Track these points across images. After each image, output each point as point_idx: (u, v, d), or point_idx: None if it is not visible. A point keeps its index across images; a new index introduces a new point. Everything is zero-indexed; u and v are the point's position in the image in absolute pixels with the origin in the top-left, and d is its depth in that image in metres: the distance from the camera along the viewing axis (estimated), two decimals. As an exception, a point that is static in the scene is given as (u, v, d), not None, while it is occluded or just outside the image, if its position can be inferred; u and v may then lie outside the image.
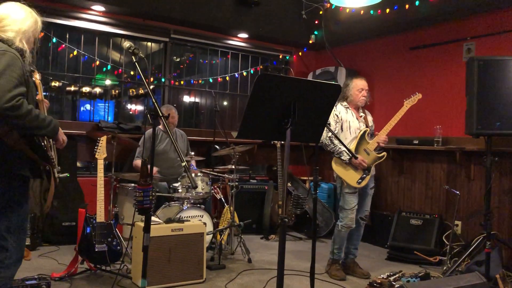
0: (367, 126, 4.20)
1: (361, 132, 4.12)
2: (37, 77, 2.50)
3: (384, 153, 4.16)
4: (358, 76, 4.33)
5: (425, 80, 5.45)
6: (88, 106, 5.73)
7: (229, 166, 4.92)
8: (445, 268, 4.27)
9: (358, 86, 4.17)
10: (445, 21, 5.20)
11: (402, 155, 5.58)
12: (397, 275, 3.84)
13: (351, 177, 4.05)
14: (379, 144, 4.12)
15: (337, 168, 4.09)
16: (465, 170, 4.93)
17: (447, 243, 4.59)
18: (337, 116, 4.14)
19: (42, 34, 5.14)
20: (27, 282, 3.31)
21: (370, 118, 4.33)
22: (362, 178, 4.06)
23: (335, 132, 4.10)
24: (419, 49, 5.53)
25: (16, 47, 2.30)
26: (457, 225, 4.90)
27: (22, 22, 2.41)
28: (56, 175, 2.50)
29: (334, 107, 4.18)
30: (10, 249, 2.32)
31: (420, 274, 3.86)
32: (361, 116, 4.25)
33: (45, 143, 2.36)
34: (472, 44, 4.97)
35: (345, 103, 4.22)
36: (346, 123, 4.15)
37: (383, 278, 3.79)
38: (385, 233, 5.19)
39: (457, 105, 4.95)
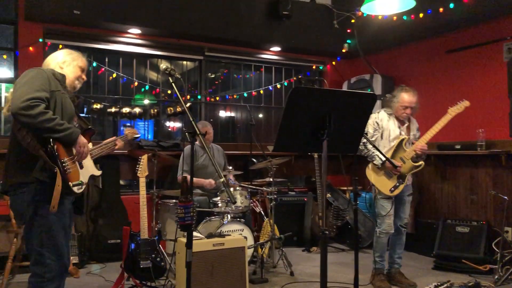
0: (407, 135, 4.10)
1: (399, 140, 4.04)
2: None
3: (422, 162, 4.02)
4: (407, 90, 4.07)
5: (463, 83, 5.32)
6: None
7: (267, 179, 4.94)
8: (496, 277, 4.11)
9: (404, 103, 4.01)
10: (482, 22, 5.07)
11: (444, 160, 5.44)
12: (445, 285, 3.73)
13: (384, 184, 3.98)
14: (417, 152, 4.00)
15: (370, 175, 4.03)
16: (512, 174, 4.75)
17: (498, 251, 4.40)
18: (377, 123, 4.08)
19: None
20: (77, 299, 3.42)
21: (414, 127, 4.21)
22: (395, 187, 3.96)
23: (374, 139, 4.04)
24: (456, 52, 5.41)
25: (51, 71, 2.55)
26: (507, 232, 4.70)
27: (58, 55, 2.72)
28: (76, 188, 2.46)
29: (377, 113, 4.15)
30: (49, 263, 2.39)
31: (470, 284, 3.72)
32: (405, 124, 4.14)
33: (54, 149, 2.35)
34: (512, 44, 4.82)
35: (389, 110, 4.14)
36: (387, 131, 4.08)
37: (430, 288, 3.69)
38: (430, 241, 5.04)
39: (500, 107, 4.80)
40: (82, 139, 2.47)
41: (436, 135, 5.31)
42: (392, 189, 3.97)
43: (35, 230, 2.40)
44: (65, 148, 2.42)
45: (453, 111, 3.93)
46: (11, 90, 2.41)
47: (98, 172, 2.77)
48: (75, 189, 2.43)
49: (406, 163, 3.99)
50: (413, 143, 4.10)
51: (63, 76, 2.64)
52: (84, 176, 2.56)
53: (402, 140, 4.04)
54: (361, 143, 3.98)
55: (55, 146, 2.35)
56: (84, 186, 2.55)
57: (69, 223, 2.63)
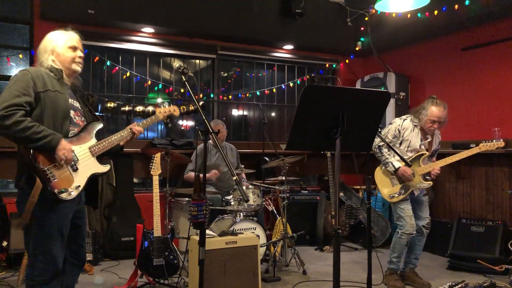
0: (427, 150, 4.00)
1: (418, 154, 3.96)
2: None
3: (430, 182, 3.96)
4: (438, 104, 3.88)
5: (479, 80, 5.24)
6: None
7: (280, 178, 4.93)
8: (512, 277, 4.05)
9: (432, 117, 3.86)
10: (498, 19, 4.99)
11: (459, 159, 5.36)
12: (460, 285, 3.68)
13: (385, 187, 3.96)
14: (432, 175, 3.94)
15: (377, 174, 4.00)
16: (529, 173, 4.68)
17: (513, 251, 4.34)
18: (399, 131, 3.98)
19: (97, 58, 5.41)
20: (91, 296, 3.46)
21: (437, 140, 4.11)
22: (395, 195, 3.94)
23: (392, 145, 3.95)
24: (471, 50, 5.33)
25: (48, 67, 2.49)
26: (523, 232, 4.63)
27: (46, 46, 2.56)
28: (64, 195, 2.37)
29: (402, 120, 4.04)
30: (40, 266, 2.35)
31: (485, 284, 3.68)
32: (428, 140, 4.02)
33: (33, 158, 2.29)
34: (529, 41, 4.74)
35: (416, 121, 3.98)
36: (407, 142, 3.98)
37: (444, 288, 3.65)
38: (444, 241, 4.99)
39: (516, 105, 4.73)
40: (62, 145, 2.34)
41: (450, 134, 5.26)
42: (392, 195, 3.95)
43: (31, 232, 2.38)
44: (48, 155, 2.33)
45: (483, 146, 3.84)
46: None
47: (104, 169, 2.60)
48: (63, 196, 2.34)
49: (416, 178, 3.93)
50: (431, 155, 4.02)
51: (60, 70, 2.53)
52: (80, 179, 2.45)
53: (422, 155, 3.96)
54: (376, 146, 3.95)
55: (35, 154, 2.30)
56: (80, 189, 2.44)
57: (80, 223, 2.61)
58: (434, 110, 3.86)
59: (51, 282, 2.40)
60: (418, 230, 4.02)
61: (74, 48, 2.59)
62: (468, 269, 4.55)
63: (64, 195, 2.35)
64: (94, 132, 2.61)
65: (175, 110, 3.17)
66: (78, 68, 2.60)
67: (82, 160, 2.49)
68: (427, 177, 3.98)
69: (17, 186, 2.41)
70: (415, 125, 3.99)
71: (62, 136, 2.37)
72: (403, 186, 3.96)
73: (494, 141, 3.80)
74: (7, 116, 2.21)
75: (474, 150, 3.82)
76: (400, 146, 4.01)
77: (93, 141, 2.58)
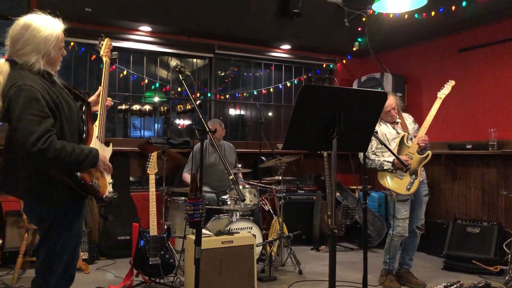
0: (405, 131, 4.07)
1: (399, 138, 4.01)
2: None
3: (428, 152, 3.97)
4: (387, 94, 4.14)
5: (476, 82, 5.26)
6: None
7: (276, 177, 4.93)
8: (507, 278, 4.07)
9: (385, 109, 4.01)
10: (495, 20, 5.01)
11: (455, 160, 5.39)
12: (455, 286, 3.68)
13: (399, 186, 3.94)
14: (420, 145, 3.95)
15: (384, 182, 4.01)
16: (525, 174, 4.70)
17: (508, 252, 4.35)
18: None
19: (94, 56, 5.40)
20: (87, 295, 3.45)
21: (410, 120, 4.20)
22: (410, 184, 3.92)
23: (380, 147, 4.01)
24: (468, 51, 5.35)
25: (37, 71, 2.13)
26: (518, 233, 4.66)
27: (40, 38, 2.16)
28: (105, 197, 2.34)
29: None
30: (55, 271, 2.25)
31: (480, 285, 3.68)
32: (397, 122, 4.14)
33: (80, 179, 2.14)
34: (525, 42, 4.76)
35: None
36: (383, 136, 4.06)
37: (440, 289, 3.65)
38: (440, 241, 5.01)
39: (512, 107, 4.74)
40: (101, 156, 2.23)
41: (447, 135, 5.28)
42: (408, 186, 3.92)
43: (50, 241, 2.24)
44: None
45: (442, 94, 3.99)
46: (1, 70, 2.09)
47: (110, 149, 2.52)
48: (108, 198, 2.35)
49: (414, 158, 3.96)
50: (414, 136, 4.07)
51: (51, 74, 2.21)
52: (108, 175, 2.41)
53: (403, 137, 4.03)
54: (367, 158, 3.97)
55: (79, 174, 2.13)
56: (112, 183, 2.41)
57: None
58: None
59: (64, 284, 2.33)
60: (411, 231, 4.03)
61: (62, 48, 2.30)
62: (463, 269, 4.57)
63: (109, 197, 2.35)
64: (91, 116, 2.44)
65: (109, 42, 2.89)
66: (59, 67, 2.33)
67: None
68: (423, 151, 4.00)
69: (53, 205, 2.18)
70: (380, 124, 4.12)
71: (96, 149, 2.23)
72: (410, 172, 3.94)
73: (445, 85, 4.01)
74: (46, 149, 1.96)
75: (439, 102, 3.96)
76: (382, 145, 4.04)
77: (95, 127, 2.41)
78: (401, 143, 4.02)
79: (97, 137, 2.40)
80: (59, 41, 2.25)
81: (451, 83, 4.02)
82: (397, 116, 4.15)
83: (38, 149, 1.94)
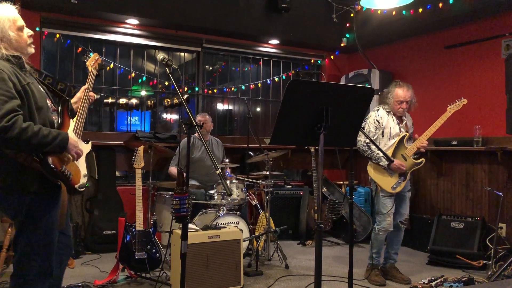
0: (406, 131, 4.11)
1: (400, 137, 4.04)
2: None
3: (422, 159, 4.04)
4: (401, 85, 4.09)
5: (462, 79, 5.31)
6: (133, 119, 5.89)
7: (264, 172, 4.94)
8: (490, 272, 4.13)
9: (398, 98, 4.03)
10: (481, 18, 5.06)
11: (441, 156, 5.45)
12: (439, 280, 3.75)
13: (386, 182, 3.98)
14: (419, 149, 4.02)
15: (373, 173, 4.04)
16: (508, 171, 4.76)
17: (491, 247, 4.43)
18: (378, 122, 4.06)
19: (80, 49, 5.33)
20: (72, 290, 3.42)
21: (410, 123, 4.22)
22: (397, 184, 3.98)
23: (375, 138, 4.04)
24: (455, 48, 5.39)
25: (2, 57, 2.13)
26: (501, 228, 4.72)
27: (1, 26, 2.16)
28: (82, 189, 2.31)
29: (376, 111, 4.14)
30: (32, 265, 2.21)
31: (463, 279, 3.74)
32: (403, 121, 4.15)
33: (50, 163, 2.11)
34: (511, 41, 4.81)
35: (387, 108, 4.12)
36: (387, 129, 4.06)
37: (424, 283, 3.70)
38: (425, 237, 5.07)
39: (497, 104, 4.80)
40: (72, 140, 2.20)
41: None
42: (395, 186, 3.98)
43: (24, 234, 2.21)
44: (58, 155, 2.16)
45: (452, 109, 3.99)
46: None
47: (89, 147, 2.52)
48: (82, 189, 2.29)
49: (408, 160, 3.99)
50: (412, 138, 4.11)
51: (19, 57, 2.20)
52: (82, 166, 2.37)
53: (403, 137, 4.04)
54: (364, 144, 3.98)
55: (50, 159, 2.09)
56: (87, 176, 2.38)
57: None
58: (398, 91, 4.05)
59: (42, 279, 2.26)
60: (395, 225, 4.08)
61: (23, 28, 2.25)
62: (448, 264, 4.63)
63: (82, 188, 2.30)
64: (69, 112, 2.42)
65: (97, 56, 2.87)
66: (33, 50, 2.32)
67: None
68: (415, 155, 4.05)
69: (24, 194, 2.14)
70: (388, 112, 4.12)
71: (66, 133, 2.21)
72: (400, 173, 4.00)
73: (458, 101, 4.00)
74: (10, 126, 1.93)
75: (447, 115, 3.97)
76: (383, 137, 4.06)
77: (72, 122, 2.41)
78: (400, 143, 4.03)
79: (74, 131, 2.38)
80: (15, 21, 2.21)
81: (463, 101, 3.99)
82: (406, 113, 4.16)
83: (2, 126, 1.91)
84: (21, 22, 2.24)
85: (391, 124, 4.08)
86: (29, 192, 2.15)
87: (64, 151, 2.18)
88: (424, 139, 3.98)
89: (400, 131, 4.08)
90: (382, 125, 4.07)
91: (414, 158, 4.03)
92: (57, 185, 2.22)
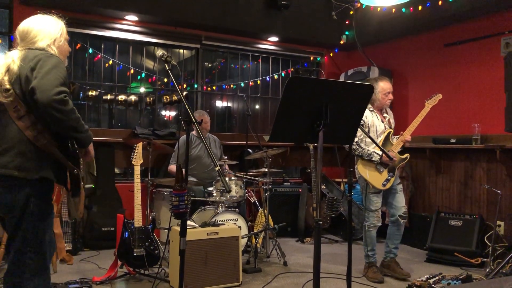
0: (390, 128, 4.18)
1: (385, 134, 4.10)
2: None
3: (407, 154, 4.11)
4: (382, 78, 4.24)
5: (461, 76, 5.31)
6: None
7: (262, 170, 4.94)
8: (488, 270, 4.14)
9: (385, 90, 4.12)
10: (481, 16, 5.05)
11: (439, 154, 5.45)
12: (437, 278, 3.75)
13: (376, 179, 4.03)
14: (405, 145, 4.09)
15: (363, 171, 4.08)
16: (506, 169, 4.77)
17: (489, 245, 4.44)
18: (363, 121, 4.10)
19: (79, 45, 5.33)
20: (70, 286, 3.43)
21: (392, 119, 4.30)
22: (387, 180, 4.03)
23: (362, 137, 4.08)
24: (454, 46, 5.39)
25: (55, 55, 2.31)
26: (499, 226, 4.73)
27: (50, 29, 2.37)
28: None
29: None
30: (29, 262, 2.19)
31: (461, 277, 3.75)
32: (386, 118, 4.23)
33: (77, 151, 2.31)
34: (510, 38, 4.80)
35: (369, 106, 4.17)
36: (373, 127, 4.12)
37: (422, 280, 3.71)
38: (423, 234, 5.08)
39: (496, 102, 4.80)
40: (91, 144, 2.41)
41: (431, 129, 5.35)
42: (385, 183, 4.03)
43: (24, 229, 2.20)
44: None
45: (429, 103, 4.08)
46: (13, 59, 2.21)
47: None
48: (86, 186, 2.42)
49: (395, 156, 4.04)
50: (395, 134, 4.19)
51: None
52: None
53: (389, 133, 4.12)
54: (354, 143, 4.01)
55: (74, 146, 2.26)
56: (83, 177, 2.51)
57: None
58: (382, 84, 4.15)
59: (38, 276, 2.24)
60: (394, 220, 4.10)
61: (67, 40, 2.50)
62: (446, 262, 4.64)
63: (86, 186, 2.42)
64: None
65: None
66: (66, 61, 2.52)
67: None
68: (400, 150, 4.14)
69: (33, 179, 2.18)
70: (371, 111, 4.17)
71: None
72: (389, 169, 4.05)
73: (433, 96, 4.08)
74: (67, 101, 2.10)
75: (426, 110, 4.04)
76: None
77: None
78: (386, 139, 4.10)
79: None
80: (64, 32, 2.47)
81: (439, 96, 4.08)
82: (387, 109, 4.24)
83: (61, 98, 2.07)
84: (67, 35, 2.50)
85: (376, 122, 4.14)
86: (43, 179, 2.20)
87: (85, 147, 2.35)
88: (408, 135, 4.05)
89: (385, 128, 4.14)
90: (368, 124, 4.11)
91: (399, 153, 4.09)
92: (65, 177, 2.28)
